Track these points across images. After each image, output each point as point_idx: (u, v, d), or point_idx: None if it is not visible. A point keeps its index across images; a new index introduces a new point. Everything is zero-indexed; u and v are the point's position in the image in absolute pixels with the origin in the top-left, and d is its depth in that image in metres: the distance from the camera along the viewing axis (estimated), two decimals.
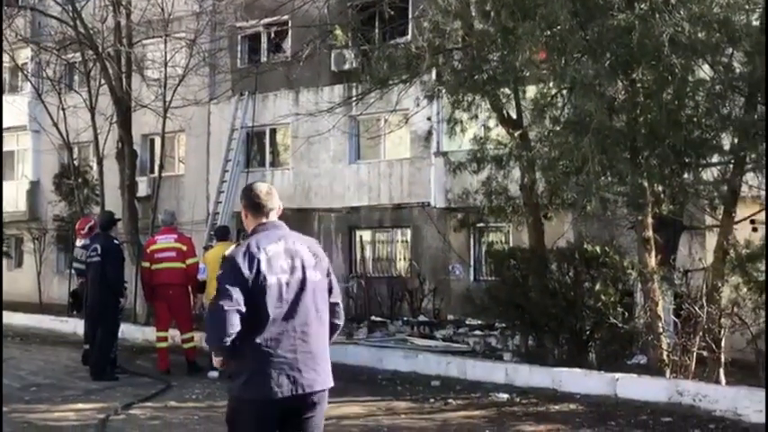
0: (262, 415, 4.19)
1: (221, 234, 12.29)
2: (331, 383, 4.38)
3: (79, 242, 12.88)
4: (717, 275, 10.08)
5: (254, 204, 4.52)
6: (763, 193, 10.43)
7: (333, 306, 4.51)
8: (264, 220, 4.53)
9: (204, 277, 11.15)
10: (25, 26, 22.84)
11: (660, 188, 10.28)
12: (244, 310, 4.10)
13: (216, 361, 4.39)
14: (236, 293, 4.10)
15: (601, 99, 9.39)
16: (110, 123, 19.73)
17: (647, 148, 9.63)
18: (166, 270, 11.61)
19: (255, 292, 4.16)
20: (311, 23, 17.71)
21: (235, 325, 4.06)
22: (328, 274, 4.53)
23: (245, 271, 4.17)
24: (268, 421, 4.21)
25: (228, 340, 4.07)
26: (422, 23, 12.75)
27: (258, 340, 4.15)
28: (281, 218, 4.61)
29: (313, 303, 4.34)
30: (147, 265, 11.80)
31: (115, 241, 11.52)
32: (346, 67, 19.84)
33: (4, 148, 27.06)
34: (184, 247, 11.78)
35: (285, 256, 4.34)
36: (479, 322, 14.97)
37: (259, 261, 4.23)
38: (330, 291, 4.50)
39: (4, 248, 25.15)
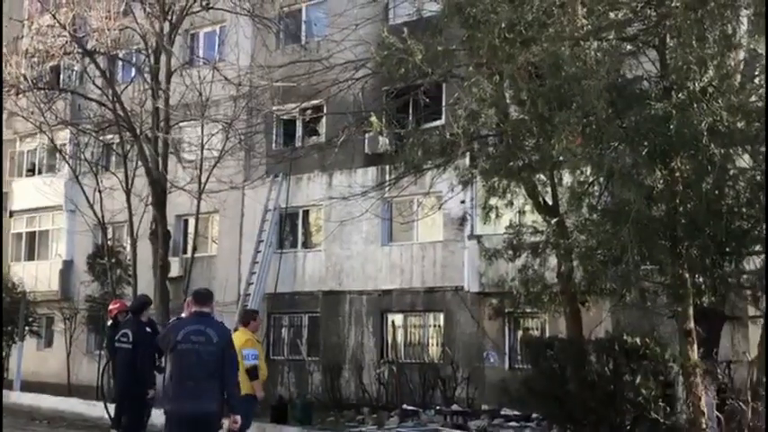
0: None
1: (243, 319, 11.91)
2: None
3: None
4: (761, 369, 9.84)
5: None
6: None
7: None
8: None
9: (254, 363, 10.66)
10: (65, 109, 23.49)
11: (701, 279, 10.14)
12: None
13: None
14: None
15: (639, 188, 9.36)
16: (145, 204, 20.06)
17: (688, 238, 9.55)
18: None
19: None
20: (346, 109, 18.02)
21: None
22: None
23: None
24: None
25: None
26: (456, 110, 12.91)
27: None
28: None
29: None
30: None
31: (147, 328, 11.48)
32: (380, 149, 20.06)
33: (40, 228, 27.61)
34: None
35: None
36: (515, 413, 14.65)
37: None
38: None
39: (35, 327, 25.27)
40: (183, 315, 8.38)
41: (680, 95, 9.26)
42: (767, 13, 8.99)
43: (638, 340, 11.24)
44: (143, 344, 11.13)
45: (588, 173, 10.91)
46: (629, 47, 10.23)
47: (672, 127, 9.00)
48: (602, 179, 10.62)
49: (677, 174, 9.65)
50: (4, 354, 22.48)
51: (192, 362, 7.58)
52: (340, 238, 21.20)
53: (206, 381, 7.56)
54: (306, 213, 22.89)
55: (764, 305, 10.15)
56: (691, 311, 10.16)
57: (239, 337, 10.40)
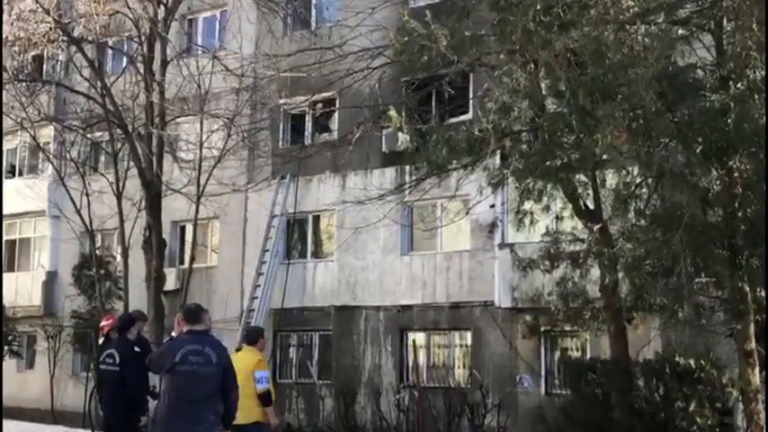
0: None
1: (250, 337, 11.87)
2: None
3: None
4: None
5: None
6: None
7: None
8: None
9: (266, 387, 10.62)
10: (49, 103, 23.63)
11: (763, 293, 10.07)
12: None
13: None
14: None
15: (693, 190, 9.33)
16: (137, 209, 20.15)
17: (748, 247, 9.50)
18: None
19: None
20: (362, 103, 18.03)
21: None
22: None
23: None
24: None
25: None
26: (485, 103, 12.90)
27: None
28: None
29: None
30: None
31: (135, 348, 11.46)
32: (399, 147, 20.06)
33: (20, 235, 27.80)
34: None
35: None
36: None
37: None
38: None
39: (15, 347, 25.40)
40: (174, 334, 8.63)
41: (738, 86, 9.23)
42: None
43: (691, 362, 11.19)
44: (132, 365, 11.11)
45: (635, 173, 10.88)
46: (680, 31, 10.19)
47: (729, 121, 8.96)
48: (650, 180, 10.59)
49: (736, 174, 9.61)
50: None
51: (192, 384, 7.85)
52: (354, 247, 21.21)
53: (202, 404, 7.83)
54: (316, 219, 22.92)
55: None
56: (752, 329, 10.09)
57: (248, 358, 10.38)
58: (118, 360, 11.07)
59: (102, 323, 12.84)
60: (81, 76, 21.09)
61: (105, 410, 11.50)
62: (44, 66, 25.46)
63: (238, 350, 11.14)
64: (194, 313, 8.22)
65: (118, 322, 12.06)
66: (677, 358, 11.39)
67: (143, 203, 19.79)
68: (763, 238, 9.25)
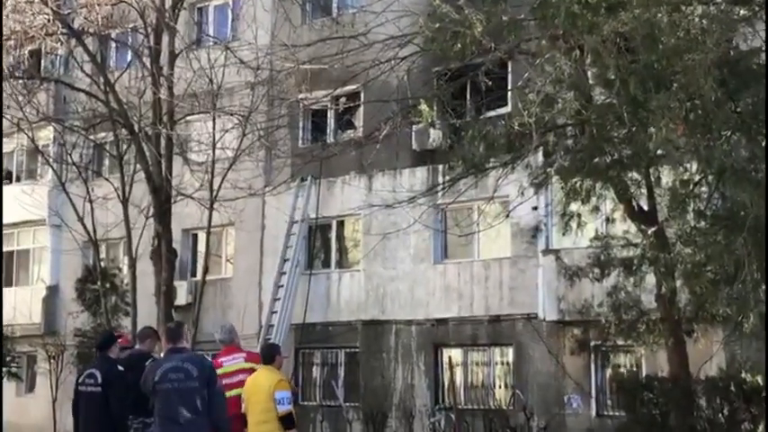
0: None
1: (266, 355, 11.91)
2: None
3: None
4: None
5: None
6: None
7: None
8: None
9: (289, 408, 10.70)
10: (48, 102, 23.91)
11: None
12: None
13: None
14: None
15: (758, 188, 9.27)
16: (145, 217, 20.30)
17: None
18: (238, 399, 11.59)
19: None
20: (389, 96, 18.05)
21: None
22: None
23: None
24: None
25: None
26: (526, 95, 12.89)
27: None
28: None
29: None
30: None
31: (119, 367, 11.47)
32: (431, 145, 20.09)
33: (18, 246, 28.07)
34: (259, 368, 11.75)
35: None
36: None
37: None
38: None
39: (14, 369, 25.61)
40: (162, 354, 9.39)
41: None
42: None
43: (758, 379, 11.11)
44: (117, 385, 11.06)
45: (694, 170, 10.83)
46: (742, 11, 10.13)
47: None
48: (711, 177, 10.54)
49: None
50: None
51: (174, 402, 8.62)
52: (383, 256, 21.25)
53: (191, 422, 8.58)
54: (340, 225, 23.00)
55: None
56: None
57: (268, 378, 10.46)
58: (100, 380, 11.04)
59: None
60: (82, 71, 21.29)
61: None
62: (42, 61, 25.76)
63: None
64: (175, 332, 9.24)
65: (96, 342, 12.12)
66: (743, 375, 11.34)
67: (151, 210, 19.96)
68: None
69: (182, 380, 8.73)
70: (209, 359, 9.97)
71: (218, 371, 11.70)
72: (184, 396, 8.67)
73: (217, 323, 22.03)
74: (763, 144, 9.34)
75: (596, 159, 11.47)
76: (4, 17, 19.98)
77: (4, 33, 20.09)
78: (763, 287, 9.68)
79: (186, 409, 8.62)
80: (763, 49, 10.19)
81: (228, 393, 11.51)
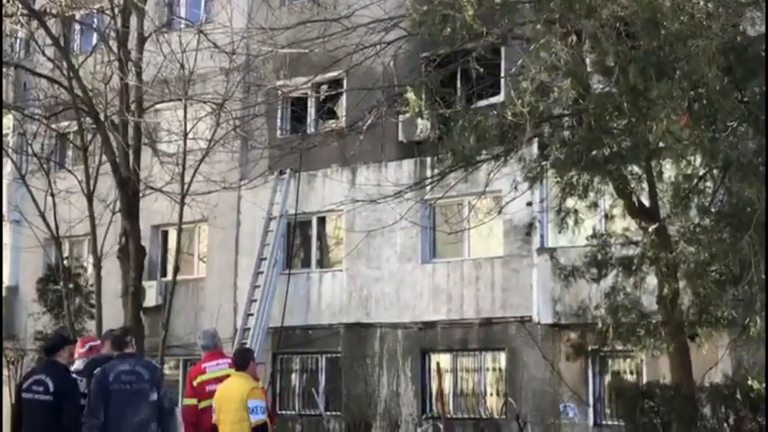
0: None
1: (239, 361, 11.82)
2: None
3: (76, 365, 12.94)
4: None
5: None
6: None
7: None
8: None
9: (262, 418, 10.57)
10: (7, 88, 23.78)
11: None
12: None
13: None
14: None
15: (765, 183, 9.34)
16: (111, 212, 20.25)
17: None
18: None
19: None
20: (374, 84, 18.07)
21: None
22: None
23: None
24: None
25: None
26: (520, 83, 12.94)
27: None
28: None
29: None
30: (192, 402, 11.65)
31: (72, 374, 11.31)
32: (419, 136, 20.11)
33: None
34: None
35: None
36: None
37: None
38: None
39: None
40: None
41: None
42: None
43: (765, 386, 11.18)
44: (71, 393, 10.86)
45: (698, 163, 10.89)
46: None
47: None
48: (715, 171, 10.61)
49: None
50: None
51: (127, 403, 9.65)
52: (367, 254, 21.27)
53: (141, 424, 9.64)
54: (321, 221, 23.00)
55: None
56: None
57: (240, 386, 10.48)
58: (51, 388, 10.81)
59: (79, 350, 12.70)
60: (44, 55, 21.20)
61: None
62: (0, 44, 25.64)
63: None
64: (121, 339, 10.33)
65: (45, 345, 12.00)
66: (750, 382, 11.40)
67: (118, 205, 19.89)
68: None
69: (133, 382, 9.84)
70: (157, 363, 11.00)
71: (202, 377, 11.74)
72: (136, 397, 9.74)
73: (188, 326, 22.35)
74: None
75: (594, 152, 11.53)
76: None
77: None
78: None
79: (137, 413, 9.64)
80: None
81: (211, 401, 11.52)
